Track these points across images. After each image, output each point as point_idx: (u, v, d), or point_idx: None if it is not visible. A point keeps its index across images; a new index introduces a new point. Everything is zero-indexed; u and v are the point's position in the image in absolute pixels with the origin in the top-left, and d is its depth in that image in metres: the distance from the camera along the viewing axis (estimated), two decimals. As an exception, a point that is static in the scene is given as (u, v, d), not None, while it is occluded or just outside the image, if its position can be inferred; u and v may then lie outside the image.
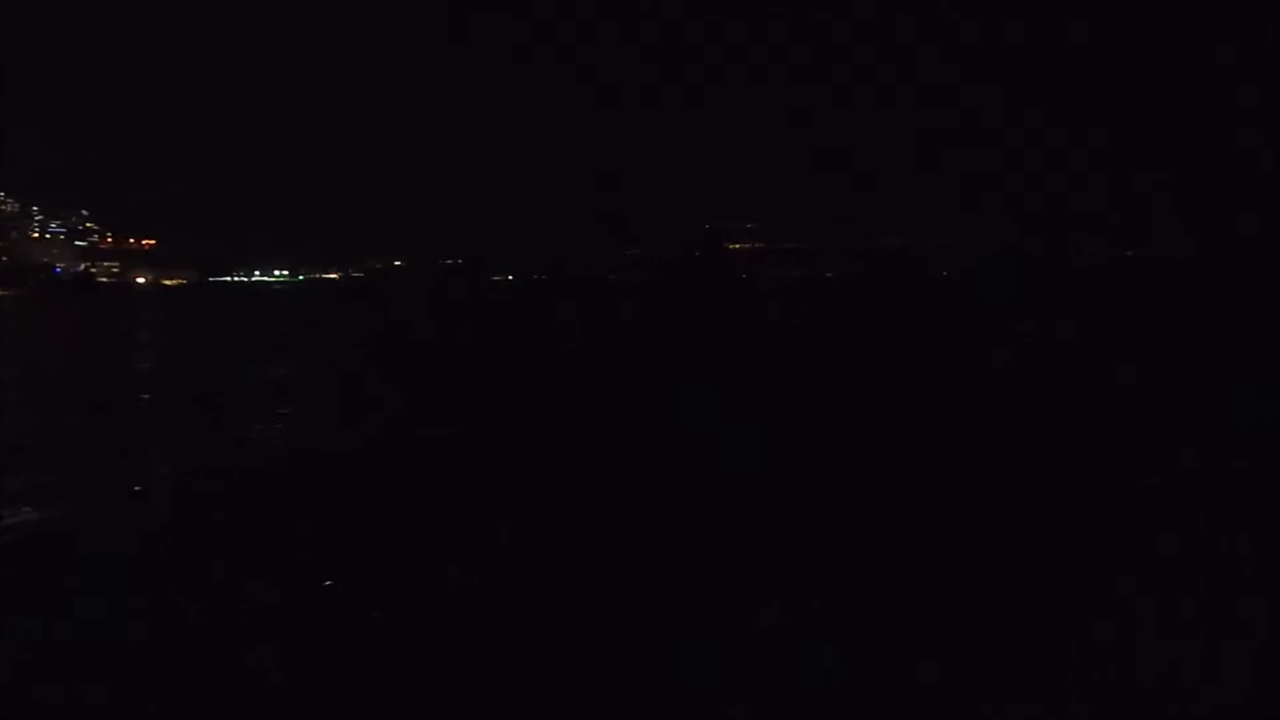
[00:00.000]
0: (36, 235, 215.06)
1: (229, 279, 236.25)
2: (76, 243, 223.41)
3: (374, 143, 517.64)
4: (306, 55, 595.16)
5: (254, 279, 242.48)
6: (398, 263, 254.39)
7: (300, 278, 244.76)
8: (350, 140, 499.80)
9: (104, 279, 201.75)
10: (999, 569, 8.00)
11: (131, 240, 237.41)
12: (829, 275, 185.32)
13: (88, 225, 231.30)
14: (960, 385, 20.90)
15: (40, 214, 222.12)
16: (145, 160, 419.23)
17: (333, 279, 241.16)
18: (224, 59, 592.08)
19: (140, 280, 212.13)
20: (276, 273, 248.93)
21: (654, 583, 7.74)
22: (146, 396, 21.79)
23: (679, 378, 23.42)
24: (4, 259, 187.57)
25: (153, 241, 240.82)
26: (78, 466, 12.89)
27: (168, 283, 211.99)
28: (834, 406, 18.00)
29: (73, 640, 6.70)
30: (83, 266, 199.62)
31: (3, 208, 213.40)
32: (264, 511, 10.32)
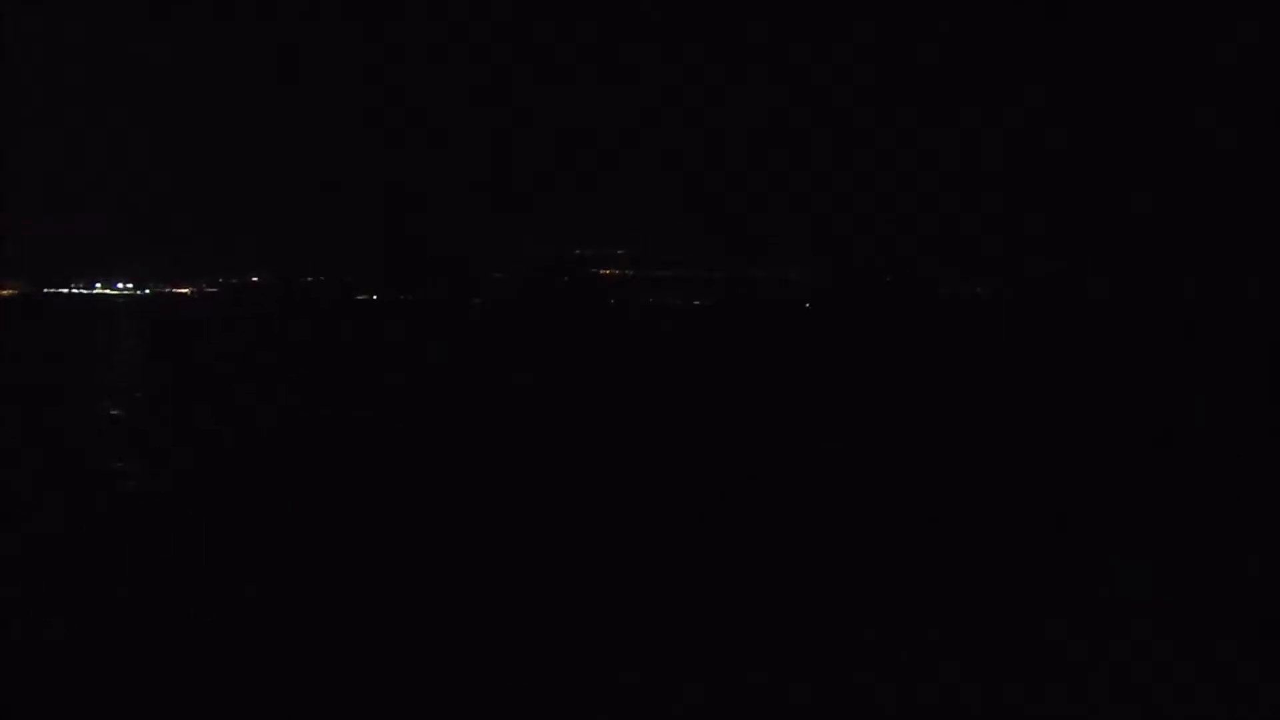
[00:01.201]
0: None
1: (66, 290, 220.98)
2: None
3: (229, 154, 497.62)
4: (159, 68, 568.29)
5: (94, 291, 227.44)
6: (254, 278, 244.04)
7: (147, 291, 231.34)
8: (202, 151, 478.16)
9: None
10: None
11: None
12: (697, 303, 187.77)
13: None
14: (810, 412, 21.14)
15: None
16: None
17: (184, 294, 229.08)
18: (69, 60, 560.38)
19: None
20: (120, 285, 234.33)
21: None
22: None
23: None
24: None
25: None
26: None
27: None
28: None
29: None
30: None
31: None
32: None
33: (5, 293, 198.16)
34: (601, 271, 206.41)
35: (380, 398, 24.53)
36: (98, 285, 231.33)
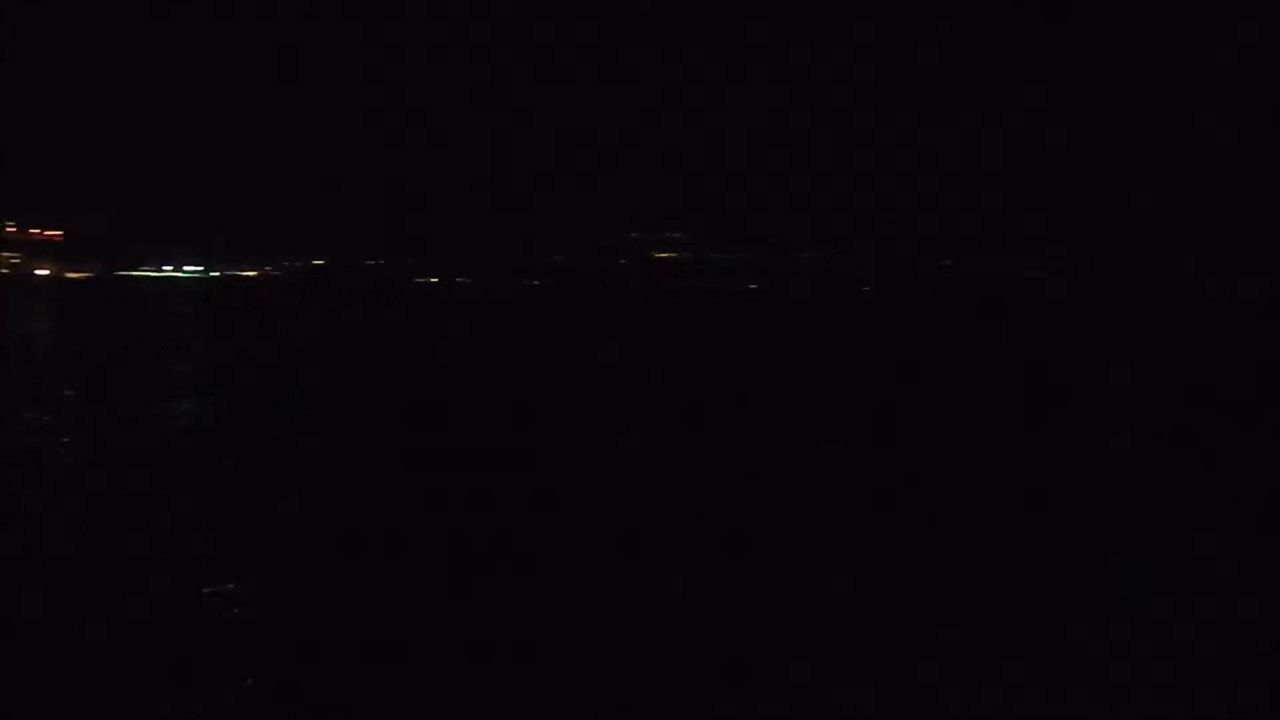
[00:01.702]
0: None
1: (136, 273, 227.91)
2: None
3: (295, 144, 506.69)
4: (234, 51, 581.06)
5: (163, 274, 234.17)
6: (318, 261, 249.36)
7: (215, 274, 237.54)
8: (278, 134, 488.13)
9: (3, 270, 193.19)
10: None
11: (35, 231, 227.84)
12: (752, 287, 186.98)
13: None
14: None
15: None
16: (56, 150, 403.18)
17: (250, 276, 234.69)
18: (139, 50, 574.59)
19: (41, 273, 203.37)
20: (188, 268, 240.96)
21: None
22: None
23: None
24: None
25: (58, 233, 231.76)
26: None
27: (71, 276, 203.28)
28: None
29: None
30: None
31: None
32: None
33: (79, 275, 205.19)
34: (657, 255, 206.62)
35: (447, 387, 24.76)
36: (166, 268, 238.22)
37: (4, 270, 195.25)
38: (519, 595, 7.77)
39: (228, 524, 10.24)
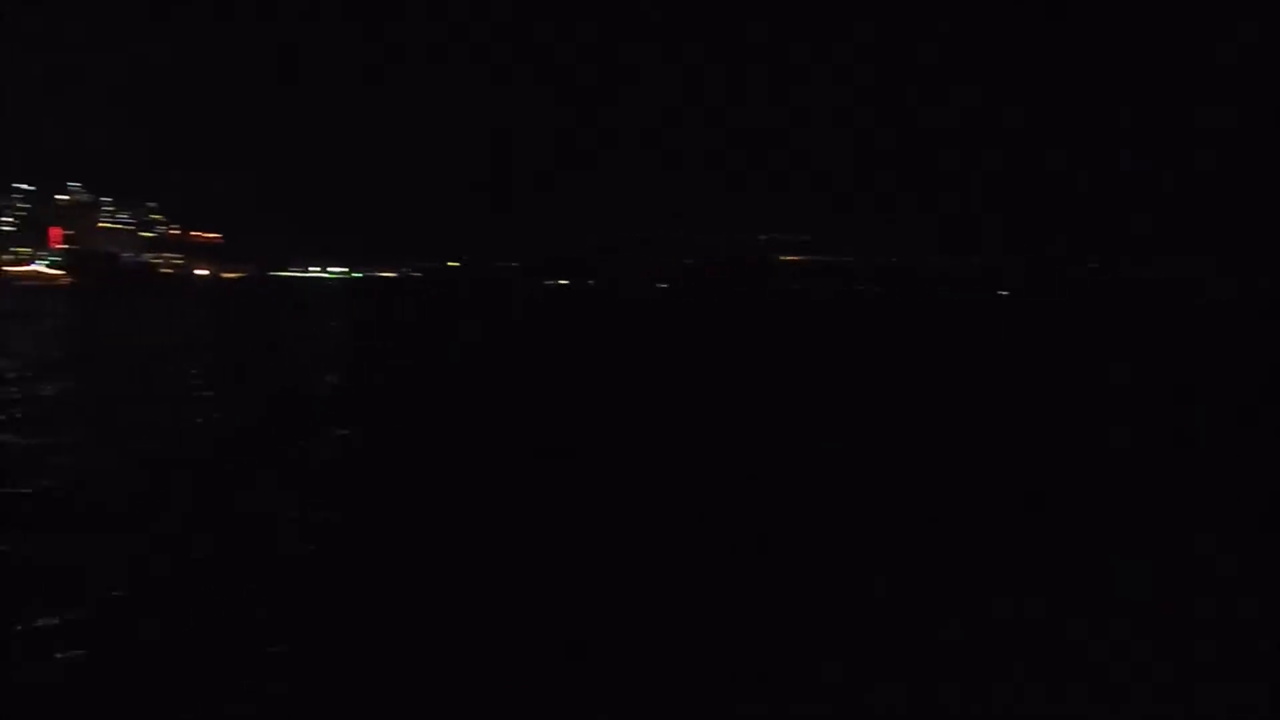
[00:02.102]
0: (105, 225, 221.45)
1: (286, 274, 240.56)
2: (143, 234, 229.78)
3: (441, 145, 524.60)
4: (384, 65, 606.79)
5: (310, 274, 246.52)
6: (453, 263, 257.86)
7: (358, 275, 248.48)
8: (416, 141, 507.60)
9: (167, 270, 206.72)
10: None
11: (196, 234, 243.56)
12: (861, 289, 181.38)
13: (155, 217, 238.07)
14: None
15: (111, 204, 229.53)
16: (217, 157, 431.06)
17: (390, 277, 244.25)
18: (292, 61, 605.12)
19: (200, 273, 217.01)
20: (333, 269, 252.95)
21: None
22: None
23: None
24: (74, 246, 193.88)
25: (218, 236, 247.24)
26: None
27: (227, 276, 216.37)
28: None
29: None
30: (146, 257, 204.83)
31: (76, 197, 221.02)
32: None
33: (234, 276, 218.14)
34: (785, 258, 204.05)
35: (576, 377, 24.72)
36: (313, 269, 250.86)
37: (168, 270, 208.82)
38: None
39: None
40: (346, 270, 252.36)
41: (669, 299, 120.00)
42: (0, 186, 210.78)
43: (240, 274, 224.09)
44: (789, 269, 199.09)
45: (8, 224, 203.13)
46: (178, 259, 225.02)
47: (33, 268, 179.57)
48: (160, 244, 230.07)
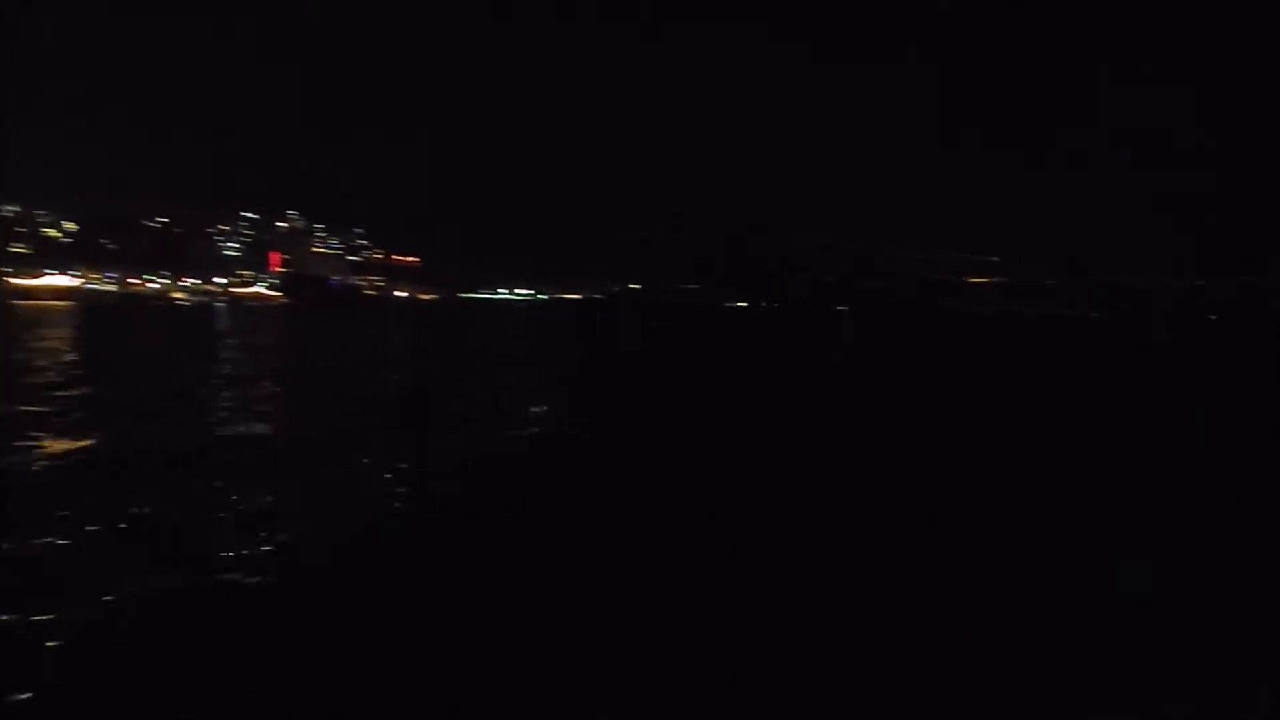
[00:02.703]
0: (318, 250, 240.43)
1: (475, 296, 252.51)
2: (350, 258, 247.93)
3: (622, 170, 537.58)
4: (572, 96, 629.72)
5: (498, 296, 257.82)
6: (634, 285, 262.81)
7: (543, 297, 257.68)
8: (602, 168, 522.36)
9: (370, 292, 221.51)
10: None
11: (397, 257, 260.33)
12: (1069, 313, 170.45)
13: (361, 242, 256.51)
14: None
15: (324, 231, 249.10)
16: (418, 187, 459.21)
17: (574, 299, 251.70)
18: (500, 102, 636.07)
19: (399, 295, 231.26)
20: (520, 291, 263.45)
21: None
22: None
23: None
24: (291, 270, 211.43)
25: (416, 260, 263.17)
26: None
27: (422, 297, 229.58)
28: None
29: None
30: (352, 280, 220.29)
31: (294, 224, 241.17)
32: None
33: (429, 297, 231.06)
34: (972, 280, 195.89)
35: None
36: (501, 291, 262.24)
37: (371, 291, 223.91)
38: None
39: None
40: (533, 292, 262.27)
41: (865, 322, 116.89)
42: (231, 215, 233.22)
43: (434, 296, 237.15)
44: (976, 290, 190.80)
45: (234, 249, 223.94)
46: (380, 281, 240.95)
47: (255, 289, 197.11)
48: (365, 267, 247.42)
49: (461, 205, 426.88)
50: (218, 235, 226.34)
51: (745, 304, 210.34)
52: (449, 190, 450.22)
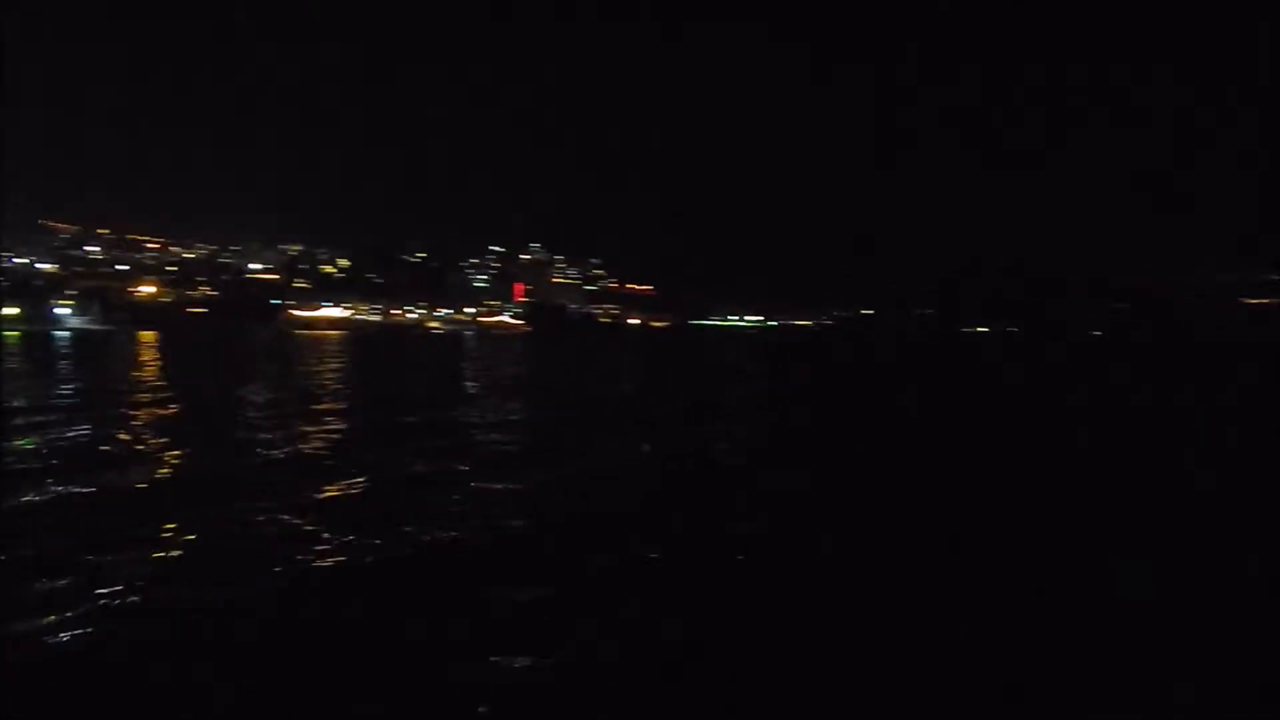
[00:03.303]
0: (558, 280, 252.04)
1: (705, 323, 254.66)
2: (587, 287, 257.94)
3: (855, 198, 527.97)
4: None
5: (727, 323, 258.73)
6: (866, 311, 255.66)
7: (773, 323, 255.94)
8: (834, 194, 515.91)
9: (605, 319, 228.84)
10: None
11: (632, 286, 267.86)
12: None
13: (597, 272, 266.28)
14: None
15: (563, 262, 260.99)
16: (652, 218, 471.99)
17: (804, 325, 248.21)
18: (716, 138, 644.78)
19: (632, 322, 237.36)
20: (750, 318, 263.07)
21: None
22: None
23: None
24: (533, 300, 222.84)
25: (649, 288, 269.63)
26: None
27: (654, 324, 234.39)
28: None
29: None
30: (589, 308, 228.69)
31: (536, 256, 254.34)
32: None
33: (660, 324, 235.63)
34: (1249, 300, 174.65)
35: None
36: (730, 318, 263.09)
37: (606, 319, 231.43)
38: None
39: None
40: (762, 319, 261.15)
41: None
42: (479, 249, 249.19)
43: (666, 323, 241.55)
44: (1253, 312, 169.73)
45: (482, 280, 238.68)
46: (614, 309, 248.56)
47: (500, 318, 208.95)
48: (601, 296, 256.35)
49: (695, 235, 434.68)
50: (469, 268, 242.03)
51: (987, 329, 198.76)
52: (683, 221, 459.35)
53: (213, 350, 64.76)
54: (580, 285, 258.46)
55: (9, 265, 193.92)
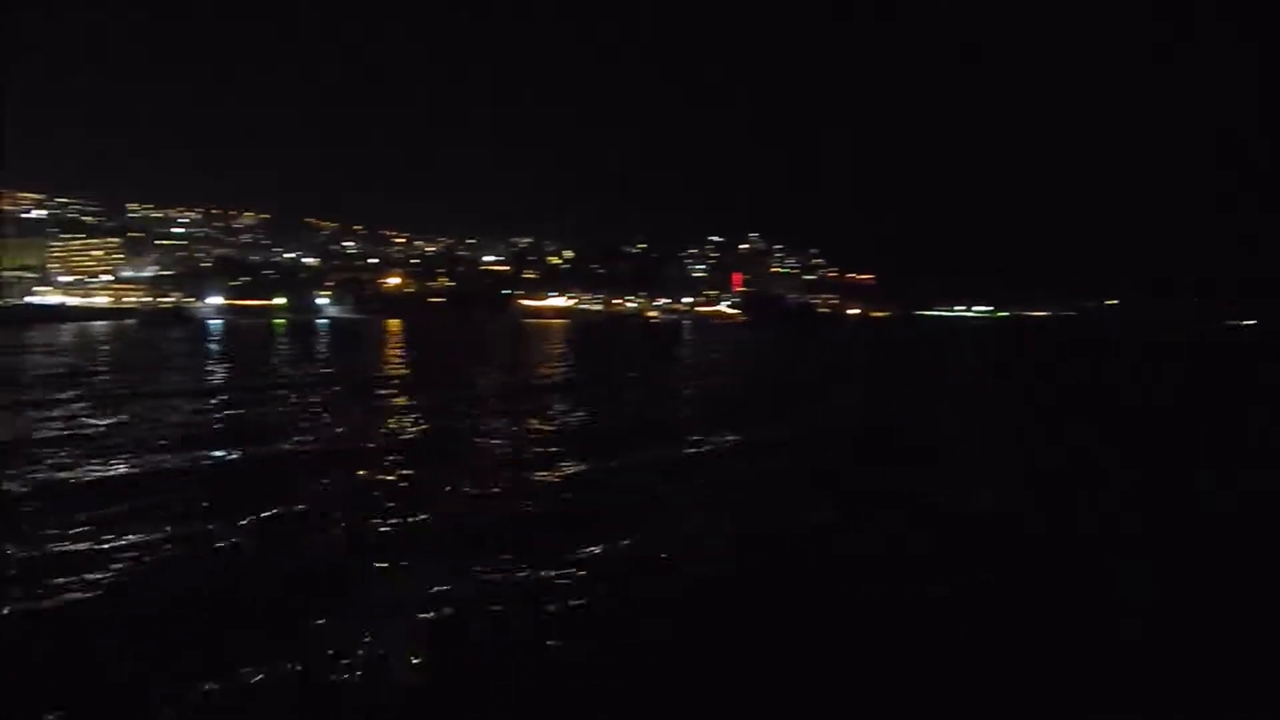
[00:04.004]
0: (776, 270, 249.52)
1: (930, 313, 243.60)
2: (806, 277, 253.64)
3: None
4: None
5: (953, 313, 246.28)
6: (1110, 301, 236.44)
7: (1003, 314, 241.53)
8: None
9: (823, 309, 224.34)
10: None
11: (851, 276, 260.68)
12: None
13: (816, 261, 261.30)
14: None
15: (781, 251, 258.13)
16: (873, 205, 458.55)
17: (1040, 316, 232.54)
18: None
19: (852, 312, 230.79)
20: (978, 309, 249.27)
21: None
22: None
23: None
24: (750, 289, 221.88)
25: (870, 278, 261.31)
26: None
27: (875, 315, 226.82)
28: None
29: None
30: (807, 298, 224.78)
31: (754, 246, 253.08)
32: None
33: (881, 315, 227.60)
34: None
35: None
36: (957, 309, 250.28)
37: (824, 309, 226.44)
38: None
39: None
40: (991, 310, 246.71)
41: None
42: (698, 239, 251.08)
43: (886, 313, 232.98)
44: None
45: (701, 270, 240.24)
46: (833, 299, 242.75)
47: (717, 308, 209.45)
48: (820, 286, 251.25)
49: (918, 221, 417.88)
50: (687, 258, 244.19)
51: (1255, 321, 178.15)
52: (905, 207, 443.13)
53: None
54: (799, 275, 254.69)
55: (279, 260, 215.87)
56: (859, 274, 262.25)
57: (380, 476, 12.44)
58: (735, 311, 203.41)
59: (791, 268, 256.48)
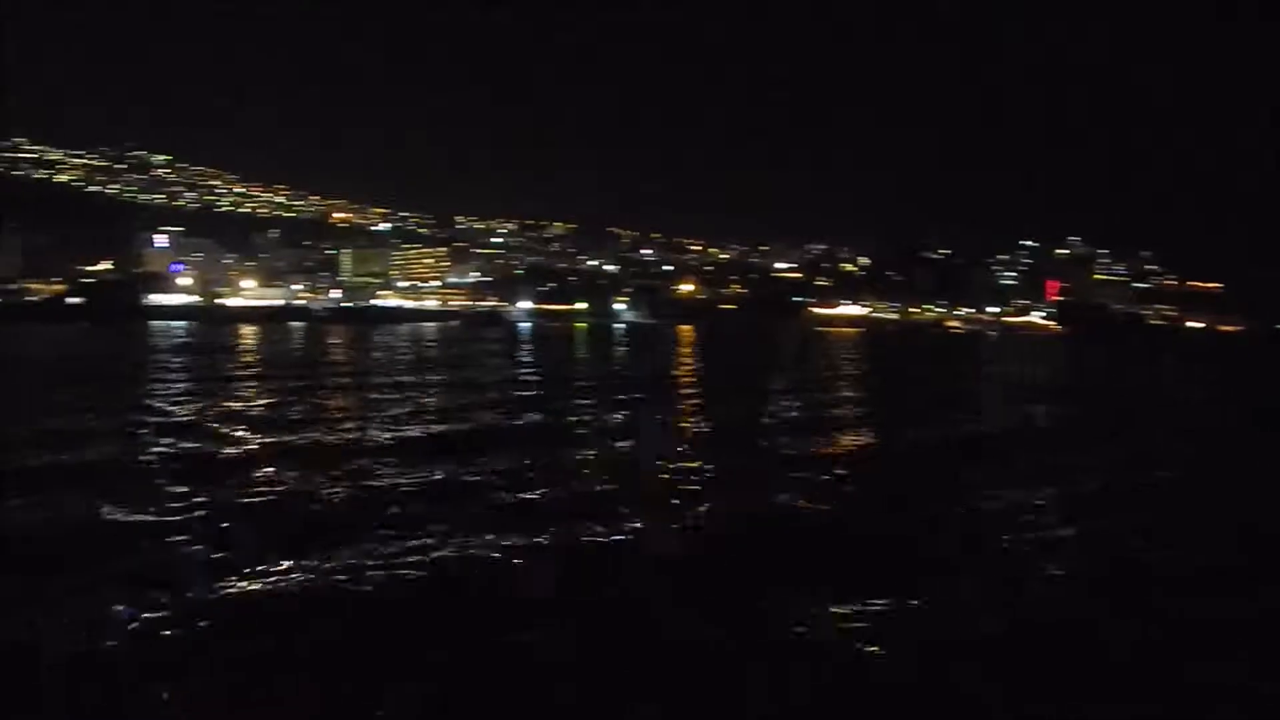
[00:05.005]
0: (1099, 277, 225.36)
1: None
2: (1135, 285, 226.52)
3: None
4: None
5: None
6: None
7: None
8: None
9: (1155, 321, 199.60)
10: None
11: (1194, 284, 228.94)
12: None
13: (1149, 268, 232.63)
14: None
15: (1107, 257, 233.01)
16: (1220, 202, 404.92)
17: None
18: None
19: (1194, 325, 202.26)
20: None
21: None
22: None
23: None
24: (1068, 299, 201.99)
25: (1218, 285, 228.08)
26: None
27: (1222, 329, 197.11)
28: None
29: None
30: (1136, 308, 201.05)
31: (1074, 251, 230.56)
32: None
33: (1231, 329, 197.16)
34: None
35: None
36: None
37: (1157, 320, 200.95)
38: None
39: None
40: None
41: None
42: (1008, 244, 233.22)
43: (1238, 327, 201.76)
44: None
45: (1011, 277, 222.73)
46: (1170, 310, 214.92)
47: (1028, 318, 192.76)
48: (1153, 295, 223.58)
49: (1273, 222, 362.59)
50: (995, 265, 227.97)
51: None
52: (1255, 205, 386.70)
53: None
54: (1127, 283, 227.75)
55: (581, 267, 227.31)
56: (1203, 282, 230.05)
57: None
58: (1049, 323, 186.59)
59: (1119, 275, 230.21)
